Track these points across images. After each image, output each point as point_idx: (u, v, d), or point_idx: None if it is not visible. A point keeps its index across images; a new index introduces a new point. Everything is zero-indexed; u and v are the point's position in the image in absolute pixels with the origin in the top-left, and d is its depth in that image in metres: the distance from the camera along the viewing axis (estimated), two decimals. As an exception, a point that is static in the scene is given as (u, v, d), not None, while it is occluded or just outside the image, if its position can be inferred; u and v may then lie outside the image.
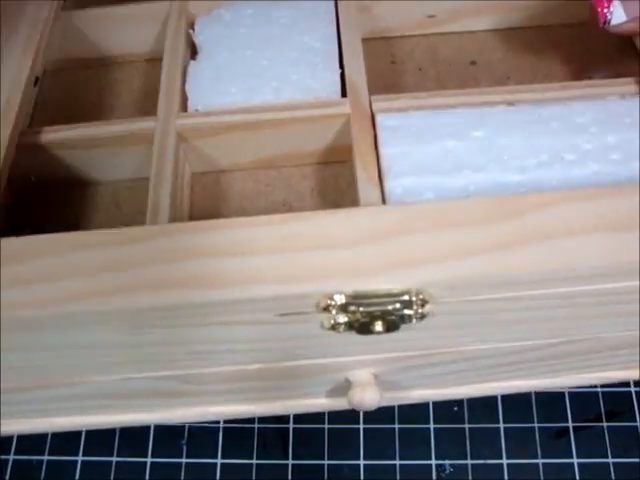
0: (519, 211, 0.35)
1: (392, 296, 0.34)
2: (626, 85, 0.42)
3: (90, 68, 0.52)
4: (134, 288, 0.34)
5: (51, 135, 0.43)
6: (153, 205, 0.39)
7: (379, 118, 0.41)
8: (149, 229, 0.36)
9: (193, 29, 0.47)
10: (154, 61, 0.50)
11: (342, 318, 0.35)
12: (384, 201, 0.38)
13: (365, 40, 0.50)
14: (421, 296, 0.34)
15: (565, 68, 0.49)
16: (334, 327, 0.36)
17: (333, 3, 0.48)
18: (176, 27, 0.47)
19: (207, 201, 0.45)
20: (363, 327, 0.36)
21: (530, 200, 0.35)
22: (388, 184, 0.38)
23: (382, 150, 0.40)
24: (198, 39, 0.47)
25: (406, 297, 0.34)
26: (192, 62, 0.45)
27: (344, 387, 0.42)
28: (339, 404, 0.44)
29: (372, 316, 0.35)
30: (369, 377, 0.41)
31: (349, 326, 0.36)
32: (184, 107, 0.44)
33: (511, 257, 0.34)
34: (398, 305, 0.34)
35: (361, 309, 0.34)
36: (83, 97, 0.50)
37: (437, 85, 0.49)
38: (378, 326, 0.36)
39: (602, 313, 0.38)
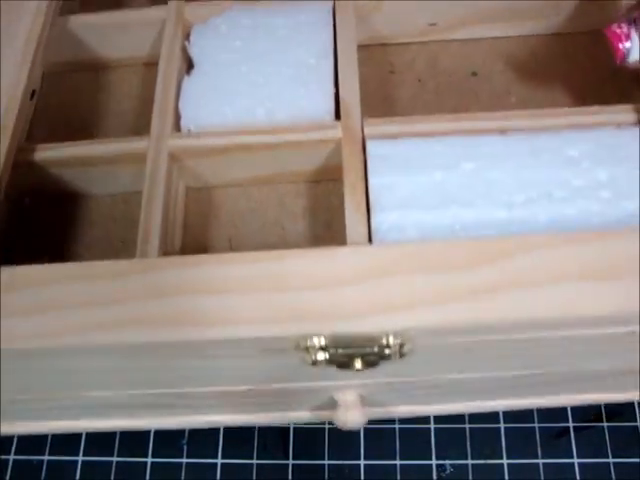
0: (502, 255, 0.35)
1: (371, 339, 0.35)
2: (624, 113, 0.41)
3: (87, 72, 0.52)
4: (117, 324, 0.34)
5: (47, 153, 0.43)
6: (144, 232, 0.39)
7: (369, 145, 0.41)
8: (133, 264, 0.36)
9: (189, 40, 0.47)
10: (152, 65, 0.49)
11: (321, 356, 0.36)
12: (370, 235, 0.38)
13: (364, 47, 0.50)
14: (400, 340, 0.35)
15: (570, 81, 0.48)
16: (314, 363, 0.37)
17: (331, 10, 0.47)
18: (172, 37, 0.46)
19: (199, 218, 0.45)
20: (342, 365, 0.37)
21: (513, 244, 0.35)
22: (375, 219, 0.38)
23: (370, 180, 0.40)
24: (193, 51, 0.46)
25: (384, 341, 0.35)
26: (186, 78, 0.45)
27: (331, 404, 0.43)
28: (327, 416, 0.46)
29: (351, 356, 0.36)
30: (354, 398, 0.42)
31: (329, 362, 0.37)
32: (177, 124, 0.44)
33: (493, 304, 0.34)
34: (377, 349, 0.35)
35: (340, 351, 0.35)
36: (81, 101, 0.51)
37: (436, 98, 0.48)
38: (357, 364, 0.36)
39: (582, 352, 0.38)
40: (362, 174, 0.40)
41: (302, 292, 0.35)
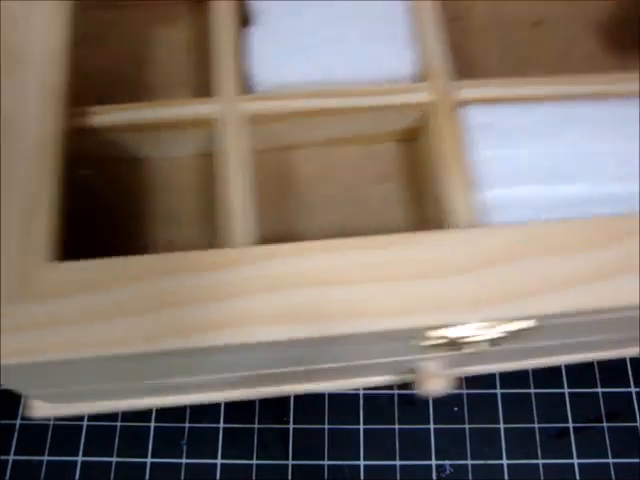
0: (617, 235, 0.34)
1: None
2: None
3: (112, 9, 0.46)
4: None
5: (97, 118, 0.38)
6: (224, 212, 0.36)
7: (469, 113, 0.38)
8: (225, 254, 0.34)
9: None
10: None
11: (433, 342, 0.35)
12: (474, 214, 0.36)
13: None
14: (518, 327, 0.34)
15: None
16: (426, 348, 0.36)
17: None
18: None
19: (271, 184, 0.42)
20: (453, 349, 0.36)
21: (627, 224, 0.34)
22: (481, 196, 0.36)
23: (474, 153, 0.37)
24: (253, -1, 0.41)
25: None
26: (250, 31, 0.40)
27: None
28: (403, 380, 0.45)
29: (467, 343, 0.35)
30: (436, 368, 0.42)
31: (439, 347, 0.36)
32: (242, 84, 0.39)
33: (606, 290, 0.33)
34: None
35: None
36: (106, 45, 0.45)
37: (502, 52, 0.45)
38: (470, 348, 0.36)
39: None
40: (459, 144, 0.37)
41: (421, 281, 0.33)
